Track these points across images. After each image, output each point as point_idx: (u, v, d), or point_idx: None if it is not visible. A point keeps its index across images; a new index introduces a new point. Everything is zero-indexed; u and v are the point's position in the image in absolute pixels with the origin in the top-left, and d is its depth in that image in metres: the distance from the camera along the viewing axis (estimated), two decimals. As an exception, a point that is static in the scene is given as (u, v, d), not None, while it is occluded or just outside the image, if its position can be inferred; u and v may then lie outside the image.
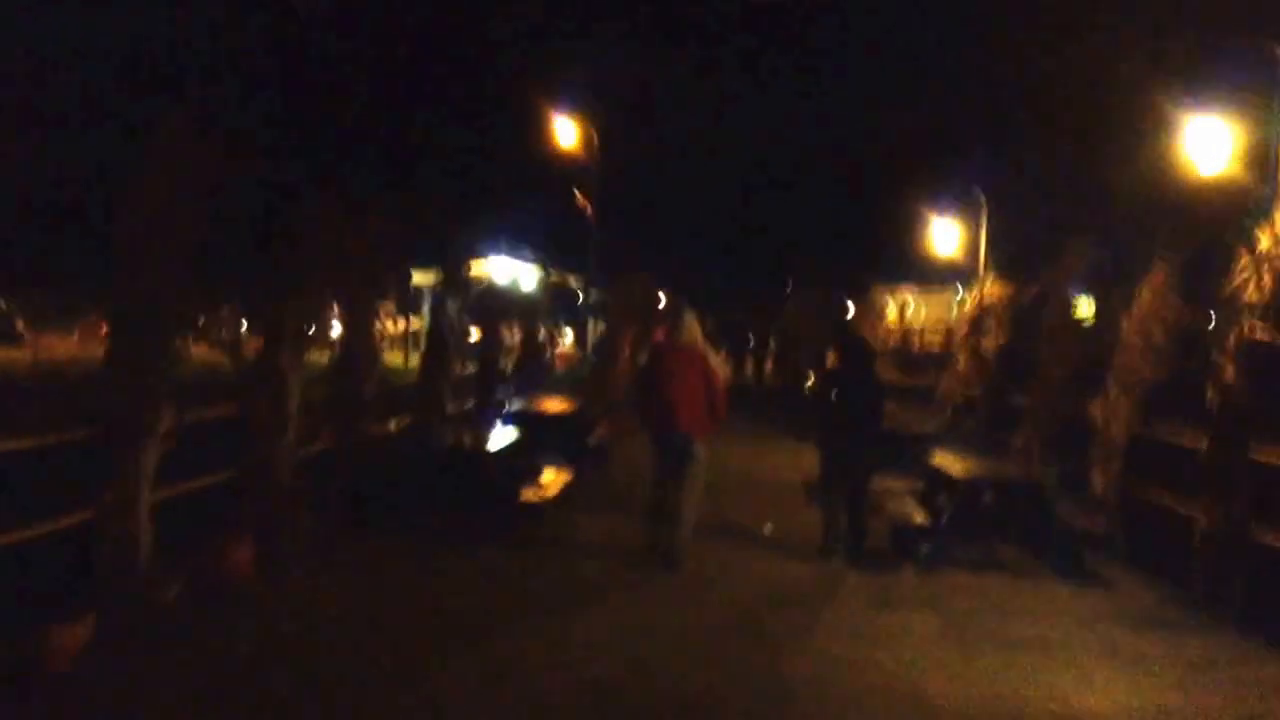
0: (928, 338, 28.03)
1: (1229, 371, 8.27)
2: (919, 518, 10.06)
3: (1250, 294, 8.13)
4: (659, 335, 10.56)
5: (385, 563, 9.14)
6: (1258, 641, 7.62)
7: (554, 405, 15.07)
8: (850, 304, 37.68)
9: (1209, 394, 8.44)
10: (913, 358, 22.86)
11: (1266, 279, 8.01)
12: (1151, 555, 9.71)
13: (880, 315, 20.58)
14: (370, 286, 10.10)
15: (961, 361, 16.51)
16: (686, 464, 9.20)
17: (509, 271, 32.29)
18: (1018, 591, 8.96)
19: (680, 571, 9.01)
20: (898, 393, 18.93)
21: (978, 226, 17.55)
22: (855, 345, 10.44)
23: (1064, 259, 12.64)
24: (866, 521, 9.88)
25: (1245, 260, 8.20)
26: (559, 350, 28.97)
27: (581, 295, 31.04)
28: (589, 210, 30.41)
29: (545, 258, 34.25)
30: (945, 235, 20.26)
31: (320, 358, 10.27)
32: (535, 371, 17.60)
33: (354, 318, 10.16)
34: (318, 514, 8.98)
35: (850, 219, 35.46)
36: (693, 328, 9.54)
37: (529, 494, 10.41)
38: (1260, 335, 8.03)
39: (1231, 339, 8.29)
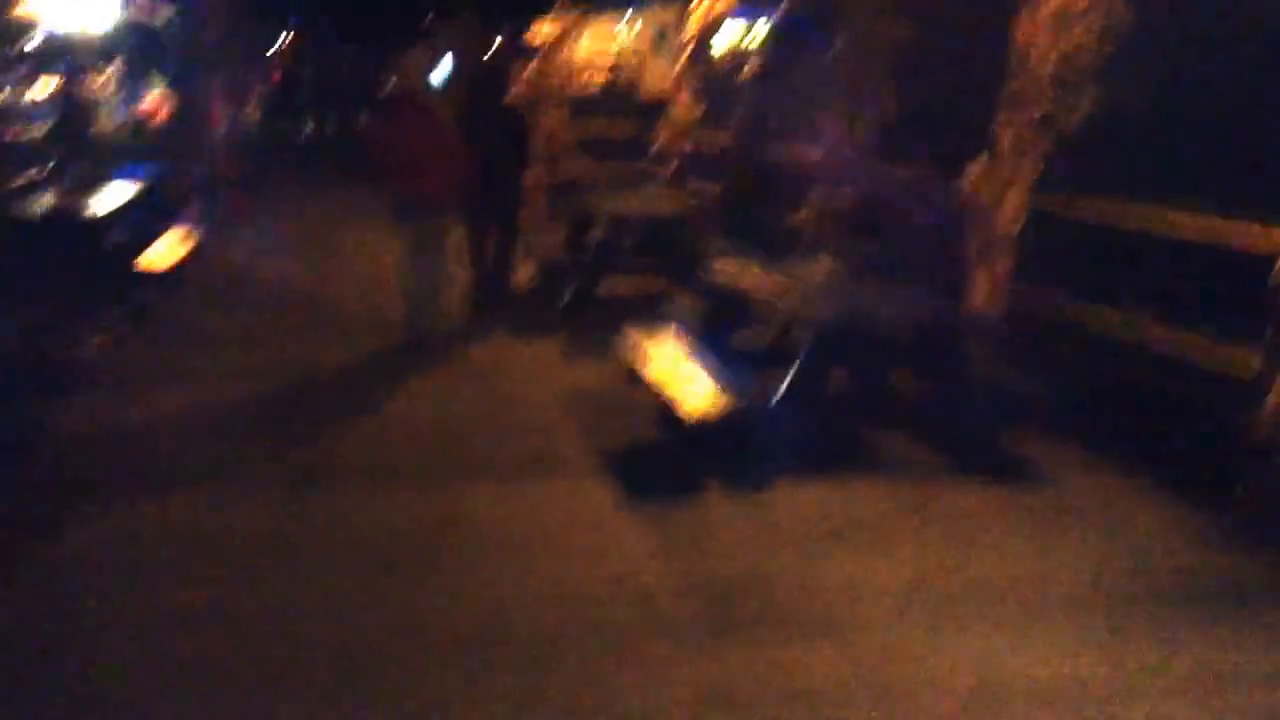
0: (592, 75, 22.66)
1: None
2: (717, 395, 5.36)
3: None
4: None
5: None
6: None
7: (96, 199, 9.14)
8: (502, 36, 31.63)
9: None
10: (585, 101, 17.53)
11: None
12: (1099, 421, 5.64)
13: (552, 48, 15.16)
14: None
15: (684, 102, 11.79)
16: (430, 232, 7.67)
17: (69, 8, 23.79)
18: (943, 530, 4.65)
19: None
20: (593, 148, 14.23)
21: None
22: (484, 80, 9.06)
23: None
24: (515, 267, 8.92)
25: None
26: (148, 111, 21.35)
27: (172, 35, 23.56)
28: None
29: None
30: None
31: None
32: (79, 144, 11.41)
33: None
34: None
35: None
36: (421, 73, 8.57)
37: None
38: None
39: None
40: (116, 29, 23.18)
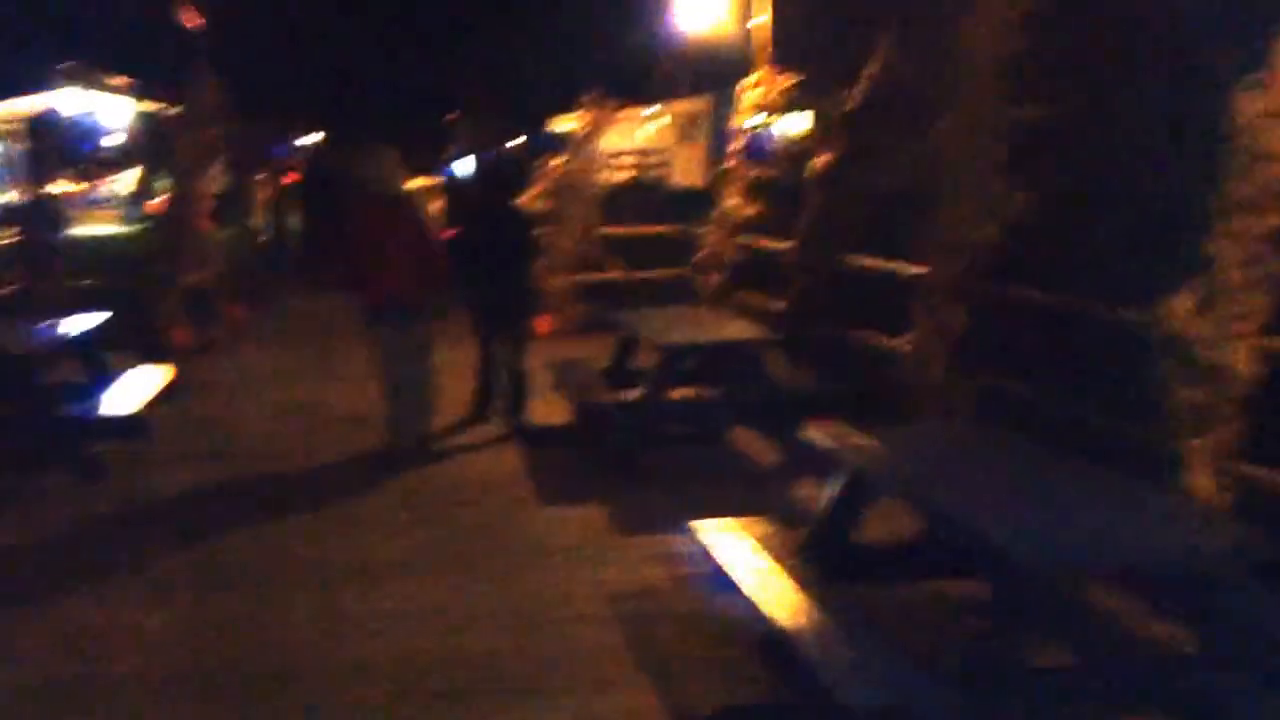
0: (617, 170, 20.92)
1: None
2: (868, 675, 3.40)
3: None
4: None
5: None
6: None
7: (41, 330, 7.31)
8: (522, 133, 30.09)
9: None
10: (613, 198, 15.66)
11: None
12: None
13: (587, 142, 13.35)
14: None
15: (733, 202, 10.02)
16: (411, 340, 6.77)
17: (85, 106, 22.40)
18: None
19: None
20: (625, 249, 12.47)
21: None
22: (494, 176, 8.80)
23: None
24: (527, 381, 7.66)
25: None
26: (156, 210, 19.55)
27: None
28: (193, 20, 20.68)
29: (139, 85, 24.35)
30: (694, 18, 12.55)
31: None
32: (43, 258, 9.65)
33: None
34: None
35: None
36: (394, 172, 6.97)
37: None
38: None
39: None
40: (132, 127, 21.78)
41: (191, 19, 21.39)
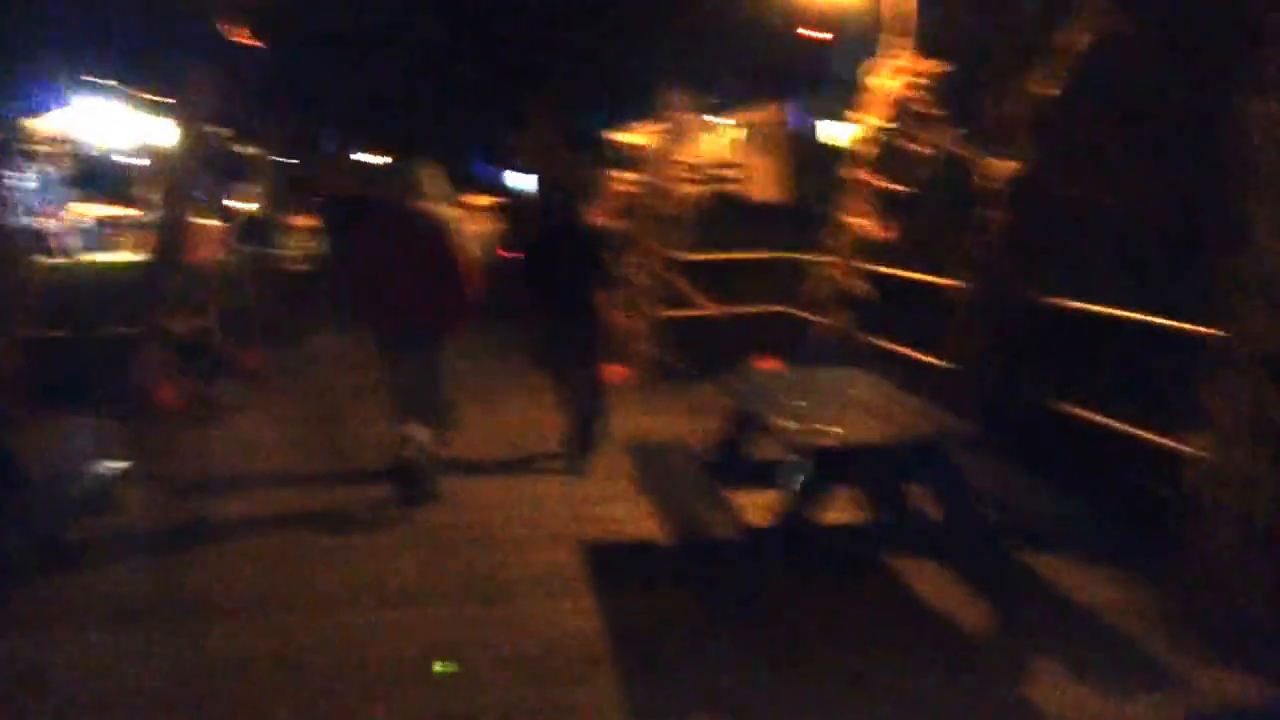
0: (690, 183, 18.20)
1: None
2: None
3: None
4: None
5: None
6: None
7: None
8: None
9: None
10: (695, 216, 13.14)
11: None
12: None
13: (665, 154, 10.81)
14: None
15: (861, 220, 7.59)
16: (425, 369, 5.81)
17: (107, 121, 20.40)
18: None
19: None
20: (711, 278, 10.10)
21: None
22: (563, 203, 7.06)
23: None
24: (596, 423, 6.45)
25: None
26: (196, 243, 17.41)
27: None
28: (244, 37, 18.68)
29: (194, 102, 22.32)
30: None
31: None
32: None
33: None
34: None
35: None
36: (434, 188, 5.84)
37: None
38: None
39: None
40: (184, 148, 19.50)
41: (244, 37, 19.18)
